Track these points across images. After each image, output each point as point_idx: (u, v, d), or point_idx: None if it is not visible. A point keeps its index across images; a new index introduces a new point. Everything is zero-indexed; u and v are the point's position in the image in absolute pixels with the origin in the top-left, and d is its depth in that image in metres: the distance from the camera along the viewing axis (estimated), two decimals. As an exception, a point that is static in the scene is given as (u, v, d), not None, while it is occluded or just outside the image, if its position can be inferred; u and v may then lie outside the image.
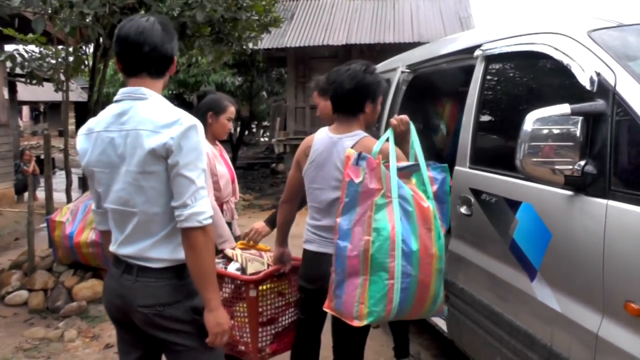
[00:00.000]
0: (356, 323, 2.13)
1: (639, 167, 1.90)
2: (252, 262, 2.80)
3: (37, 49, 6.01)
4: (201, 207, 1.77)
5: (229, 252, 2.86)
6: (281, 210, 2.72)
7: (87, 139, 1.91)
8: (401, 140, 2.45)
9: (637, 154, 1.89)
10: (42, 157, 16.08)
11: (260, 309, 2.68)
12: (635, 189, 1.81)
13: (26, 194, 11.34)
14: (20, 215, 9.32)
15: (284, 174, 14.92)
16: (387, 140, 2.31)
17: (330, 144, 2.44)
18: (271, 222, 2.97)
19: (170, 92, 14.19)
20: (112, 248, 1.97)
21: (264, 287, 2.70)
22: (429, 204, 2.22)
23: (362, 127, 2.45)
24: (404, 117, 2.47)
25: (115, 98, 1.89)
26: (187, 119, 1.79)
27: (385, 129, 2.67)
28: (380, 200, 2.14)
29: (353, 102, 2.40)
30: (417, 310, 2.23)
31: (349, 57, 11.35)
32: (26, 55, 5.83)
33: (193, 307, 1.90)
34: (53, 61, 5.85)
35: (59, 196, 7.08)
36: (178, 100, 16.56)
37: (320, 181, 2.46)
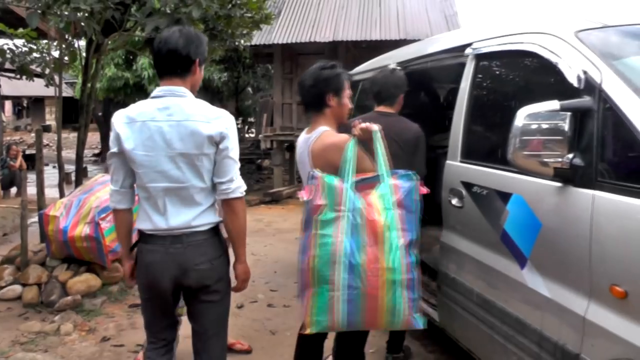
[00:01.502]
0: (304, 332, 2.28)
1: (623, 160, 2.02)
2: None
3: (27, 44, 6.01)
4: (241, 182, 2.25)
5: None
6: None
7: (129, 127, 2.19)
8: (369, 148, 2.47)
9: (621, 147, 2.01)
10: (27, 152, 15.99)
11: None
12: (619, 180, 1.92)
13: (12, 190, 11.33)
14: (7, 211, 9.26)
15: (270, 170, 14.98)
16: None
17: (304, 143, 2.59)
18: None
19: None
20: (147, 225, 2.26)
21: None
22: (380, 218, 2.26)
23: (329, 123, 2.56)
24: (369, 125, 2.42)
25: (155, 94, 2.23)
26: (227, 114, 2.25)
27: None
28: (327, 215, 2.26)
29: (315, 97, 2.55)
30: (372, 321, 2.28)
31: (335, 53, 11.43)
32: (16, 51, 5.84)
33: (227, 261, 2.39)
34: (45, 56, 5.86)
35: (46, 191, 7.09)
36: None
37: (304, 180, 2.60)
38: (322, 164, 2.45)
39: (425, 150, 3.20)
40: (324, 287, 2.20)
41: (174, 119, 2.16)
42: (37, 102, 34.70)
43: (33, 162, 14.84)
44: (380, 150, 2.41)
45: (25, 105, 35.34)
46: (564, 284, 2.13)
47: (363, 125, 2.41)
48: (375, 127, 2.41)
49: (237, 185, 2.22)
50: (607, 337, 1.89)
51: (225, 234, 2.38)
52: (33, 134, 30.86)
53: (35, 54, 5.76)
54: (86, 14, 4.53)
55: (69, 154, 14.80)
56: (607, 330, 1.90)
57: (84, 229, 4.73)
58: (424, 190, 2.40)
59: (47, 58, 5.73)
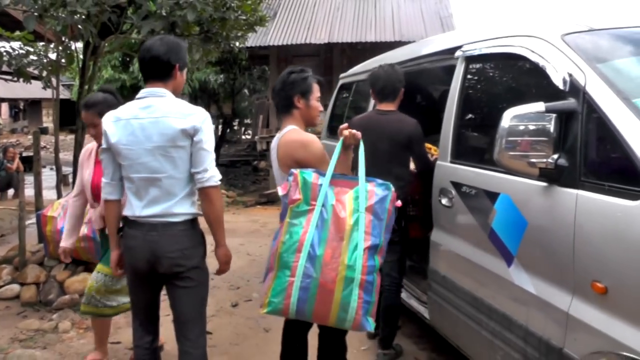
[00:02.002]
0: (260, 311, 2.37)
1: (606, 160, 2.08)
2: None
3: (25, 47, 6.04)
4: (215, 172, 2.44)
5: None
6: None
7: (115, 125, 2.45)
8: (346, 152, 2.57)
9: (604, 148, 2.07)
10: (24, 154, 15.99)
11: None
12: (602, 180, 1.99)
13: (10, 191, 11.37)
14: (5, 212, 9.30)
15: (266, 171, 15.04)
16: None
17: (274, 142, 2.72)
18: None
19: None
20: (130, 212, 2.48)
21: None
22: (348, 217, 2.33)
23: (298, 123, 2.67)
24: (358, 133, 2.52)
25: (139, 96, 2.48)
26: (202, 110, 2.46)
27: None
28: (300, 207, 2.35)
29: (283, 99, 2.68)
30: (322, 313, 2.32)
31: (330, 55, 11.51)
32: (13, 53, 5.87)
33: (202, 252, 2.57)
34: (42, 58, 5.89)
35: (44, 193, 7.12)
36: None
37: (276, 176, 2.75)
38: (287, 159, 2.58)
39: (423, 144, 3.39)
40: (285, 271, 2.29)
41: (153, 116, 2.40)
42: (34, 105, 34.67)
43: (30, 164, 14.89)
44: (361, 155, 2.50)
45: (22, 107, 35.31)
46: (549, 280, 2.20)
47: (352, 131, 2.50)
48: (359, 135, 2.52)
49: (211, 175, 2.42)
50: (589, 331, 1.96)
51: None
52: (30, 137, 30.86)
53: (32, 57, 5.78)
54: (83, 17, 4.57)
55: (67, 156, 14.79)
56: (588, 325, 1.96)
57: (81, 229, 4.78)
58: (398, 203, 2.47)
59: (44, 60, 5.75)
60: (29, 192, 11.08)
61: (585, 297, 1.99)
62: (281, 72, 2.77)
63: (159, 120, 2.39)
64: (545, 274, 2.22)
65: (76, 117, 5.84)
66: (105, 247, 3.32)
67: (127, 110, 2.47)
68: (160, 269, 2.48)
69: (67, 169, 11.26)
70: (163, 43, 2.46)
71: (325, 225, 2.32)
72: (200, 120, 2.40)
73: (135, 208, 2.46)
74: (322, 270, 2.27)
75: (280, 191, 2.44)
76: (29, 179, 12.35)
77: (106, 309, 3.41)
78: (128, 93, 14.94)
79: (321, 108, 2.73)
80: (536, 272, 2.27)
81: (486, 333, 2.59)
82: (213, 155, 2.46)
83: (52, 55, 6.14)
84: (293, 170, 2.42)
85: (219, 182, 2.48)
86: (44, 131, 32.73)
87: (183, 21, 4.57)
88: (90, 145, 3.41)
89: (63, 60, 5.76)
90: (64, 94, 20.58)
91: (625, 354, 1.79)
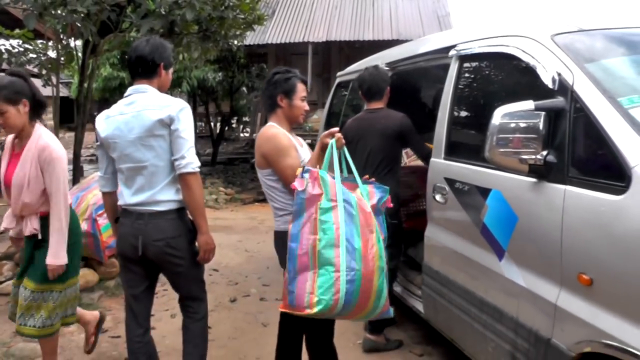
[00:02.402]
0: (307, 312, 2.36)
1: (592, 157, 2.15)
2: None
3: (23, 45, 6.09)
4: (193, 159, 2.57)
5: None
6: None
7: (105, 122, 2.69)
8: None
9: (591, 145, 2.14)
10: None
11: None
12: (589, 176, 2.06)
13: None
14: (4, 209, 9.35)
15: (264, 169, 15.09)
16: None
17: None
18: None
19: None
20: (122, 202, 2.69)
21: None
22: (370, 210, 2.49)
23: (281, 122, 2.77)
24: (341, 137, 2.60)
25: (125, 94, 2.68)
26: (179, 101, 2.63)
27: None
28: (325, 204, 2.39)
29: (267, 99, 2.80)
30: (361, 304, 2.41)
31: (328, 53, 11.57)
32: (13, 51, 5.92)
33: (189, 239, 2.71)
34: (41, 56, 5.95)
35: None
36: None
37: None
38: (257, 153, 2.72)
39: (415, 132, 3.55)
40: (328, 268, 2.33)
41: (135, 110, 2.61)
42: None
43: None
44: (350, 159, 2.62)
45: (19, 104, 35.23)
46: (538, 273, 2.26)
47: (339, 135, 2.59)
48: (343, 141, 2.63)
49: (188, 162, 2.55)
50: (575, 322, 2.03)
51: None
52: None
53: (32, 55, 5.83)
54: (82, 16, 4.63)
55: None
56: (575, 316, 2.03)
57: (81, 226, 4.83)
58: (390, 204, 2.63)
59: (43, 58, 5.80)
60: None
61: (572, 289, 2.06)
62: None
63: (139, 113, 2.58)
64: (535, 267, 2.29)
65: (76, 115, 5.91)
66: (27, 256, 3.09)
67: (115, 108, 2.70)
68: (147, 255, 2.66)
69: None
70: (148, 44, 2.66)
71: (355, 220, 2.40)
72: (176, 110, 2.56)
73: (125, 197, 2.67)
74: (363, 262, 2.35)
75: (298, 186, 2.44)
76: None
77: (47, 329, 3.09)
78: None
79: (307, 107, 2.82)
80: (526, 266, 2.34)
81: (478, 325, 2.66)
82: (191, 143, 2.59)
83: (52, 53, 6.19)
84: (310, 168, 2.47)
85: (197, 169, 2.60)
86: (42, 129, 32.72)
87: (182, 20, 4.63)
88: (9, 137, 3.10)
89: (62, 59, 5.80)
90: (63, 92, 20.61)
91: (608, 342, 1.86)
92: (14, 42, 6.19)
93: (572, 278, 2.05)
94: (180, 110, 2.58)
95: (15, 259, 5.22)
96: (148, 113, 2.57)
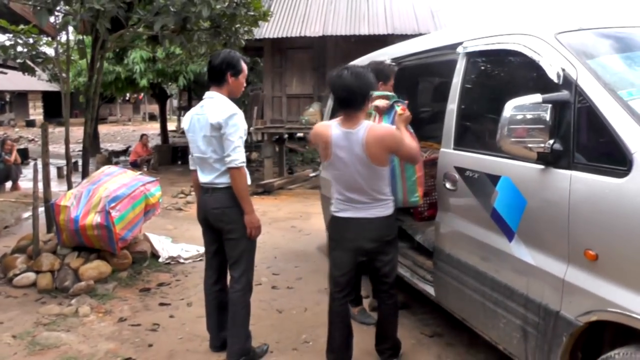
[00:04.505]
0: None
1: (596, 144, 2.36)
2: None
3: (30, 40, 6.17)
4: (237, 157, 3.22)
5: None
6: None
7: (187, 120, 3.47)
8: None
9: (594, 133, 2.34)
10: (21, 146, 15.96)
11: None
12: (593, 162, 2.27)
13: (7, 184, 11.48)
14: (5, 205, 9.42)
15: (258, 162, 15.29)
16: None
17: None
18: None
19: (149, 81, 14.42)
20: (200, 180, 3.44)
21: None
22: None
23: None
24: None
25: (203, 98, 3.41)
26: (231, 110, 3.25)
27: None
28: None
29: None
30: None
31: (324, 47, 11.70)
32: (17, 47, 6.00)
33: (241, 212, 3.35)
34: (48, 52, 6.06)
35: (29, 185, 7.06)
36: (156, 88, 16.72)
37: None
38: (378, 150, 3.02)
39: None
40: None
41: (202, 113, 3.35)
42: (21, 97, 34.44)
43: (24, 157, 14.87)
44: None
45: (7, 100, 35.03)
46: (547, 252, 2.47)
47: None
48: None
49: (232, 159, 3.21)
50: (582, 294, 2.24)
51: None
52: (17, 129, 30.75)
53: (42, 50, 5.93)
54: (97, 12, 4.74)
55: (55, 148, 14.89)
56: (581, 288, 2.25)
57: (94, 218, 4.97)
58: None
59: (54, 54, 5.92)
60: (25, 184, 11.25)
61: (579, 264, 2.27)
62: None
63: (204, 116, 3.32)
64: (543, 246, 2.50)
65: (85, 109, 6.02)
66: None
67: (194, 108, 3.48)
68: (210, 221, 3.45)
69: (60, 162, 11.41)
70: (219, 57, 3.33)
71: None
72: (225, 117, 3.20)
73: (200, 176, 3.44)
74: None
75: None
76: (25, 171, 12.52)
77: None
78: (123, 85, 15.07)
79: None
80: (535, 245, 2.55)
81: (490, 303, 2.87)
82: (237, 144, 3.23)
83: (50, 50, 6.29)
84: (401, 101, 3.53)
85: (240, 165, 3.24)
86: (31, 124, 32.59)
87: (197, 17, 4.76)
88: None
89: (72, 56, 5.91)
90: (54, 87, 20.45)
91: (613, 310, 2.07)
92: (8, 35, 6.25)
93: (579, 254, 2.26)
94: (229, 117, 3.20)
95: (28, 252, 5.33)
96: (208, 117, 3.25)
